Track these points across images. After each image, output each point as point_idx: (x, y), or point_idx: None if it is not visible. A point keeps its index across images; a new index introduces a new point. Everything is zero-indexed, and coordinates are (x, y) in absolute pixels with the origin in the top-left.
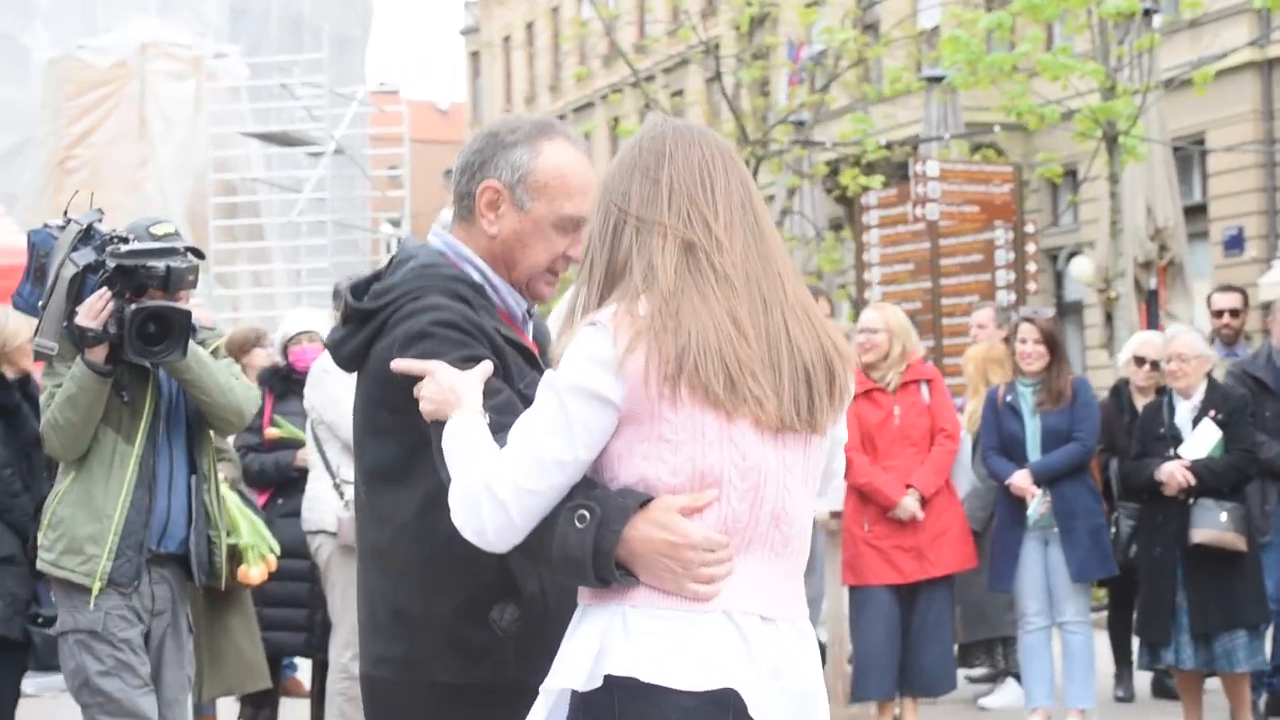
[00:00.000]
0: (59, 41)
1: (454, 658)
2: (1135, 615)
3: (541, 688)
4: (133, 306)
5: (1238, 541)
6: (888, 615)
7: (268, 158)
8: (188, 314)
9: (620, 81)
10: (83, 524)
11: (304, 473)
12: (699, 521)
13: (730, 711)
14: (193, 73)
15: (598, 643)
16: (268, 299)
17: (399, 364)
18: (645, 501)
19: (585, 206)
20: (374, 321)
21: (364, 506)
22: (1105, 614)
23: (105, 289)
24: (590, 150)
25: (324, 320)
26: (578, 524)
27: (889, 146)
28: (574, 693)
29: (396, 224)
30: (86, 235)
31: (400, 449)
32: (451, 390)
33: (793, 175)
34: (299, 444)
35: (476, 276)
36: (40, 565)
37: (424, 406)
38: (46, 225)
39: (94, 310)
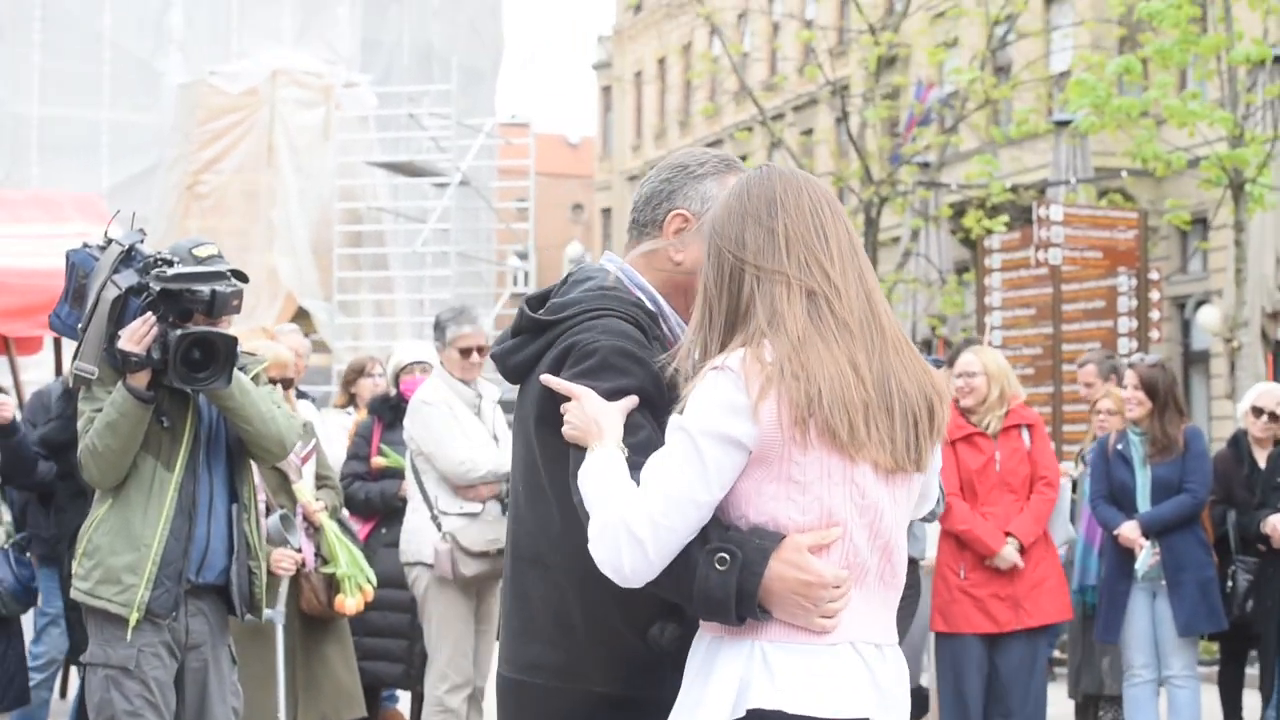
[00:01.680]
0: (192, 67)
1: (614, 669)
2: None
3: None
4: (177, 332)
5: None
6: (980, 664)
7: (394, 187)
8: (233, 340)
9: (749, 119)
10: (120, 552)
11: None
12: (825, 558)
13: None
14: (322, 101)
15: (738, 678)
16: (389, 328)
17: (548, 380)
18: (777, 540)
19: None
20: (548, 334)
21: (522, 512)
22: (1215, 669)
23: (149, 313)
24: None
25: (433, 351)
26: (718, 566)
27: (1014, 190)
28: None
29: (524, 256)
30: (128, 257)
31: (559, 463)
32: (595, 421)
33: (917, 217)
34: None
35: (650, 305)
36: (74, 594)
37: (566, 430)
38: (86, 245)
39: (138, 335)
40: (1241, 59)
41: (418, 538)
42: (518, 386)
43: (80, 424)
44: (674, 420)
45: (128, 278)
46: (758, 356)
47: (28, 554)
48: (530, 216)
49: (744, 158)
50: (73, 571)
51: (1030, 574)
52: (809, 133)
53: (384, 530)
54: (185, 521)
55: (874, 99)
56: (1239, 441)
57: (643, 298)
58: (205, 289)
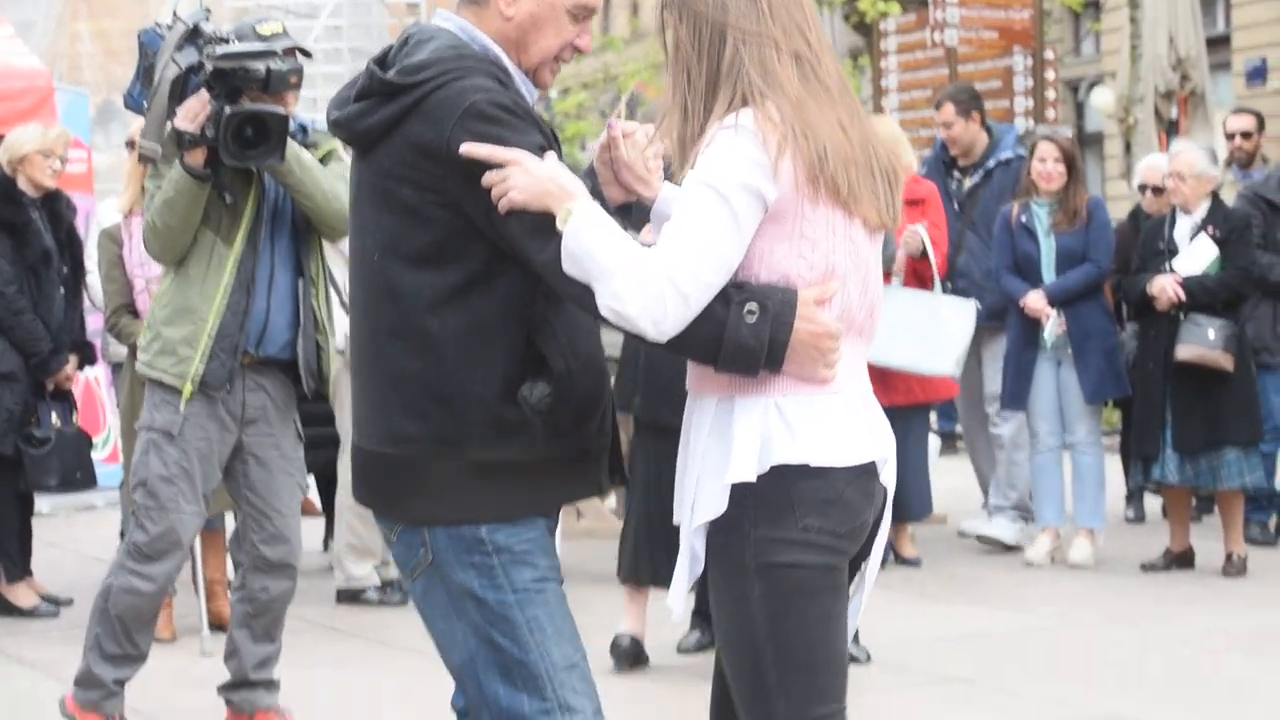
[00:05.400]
0: None
1: (487, 434)
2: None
3: (720, 483)
4: (228, 109)
5: (1223, 360)
6: None
7: None
8: (285, 118)
9: None
10: (177, 326)
11: None
12: (825, 311)
13: (873, 480)
14: None
15: (758, 435)
16: None
17: (474, 149)
18: (795, 294)
19: None
20: (404, 98)
21: (374, 284)
22: (1118, 439)
23: (204, 91)
24: None
25: None
26: (748, 317)
27: None
28: (736, 484)
29: None
30: (193, 35)
31: (431, 229)
32: (552, 181)
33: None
34: None
35: (499, 62)
36: (138, 368)
37: (514, 195)
38: (156, 24)
39: (191, 113)
40: None
41: None
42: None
43: (145, 202)
44: (694, 178)
45: (188, 56)
46: (768, 115)
47: None
48: (421, 11)
49: None
50: (138, 345)
51: None
52: None
53: None
54: (244, 296)
55: None
56: (1137, 216)
57: (489, 55)
58: (259, 66)
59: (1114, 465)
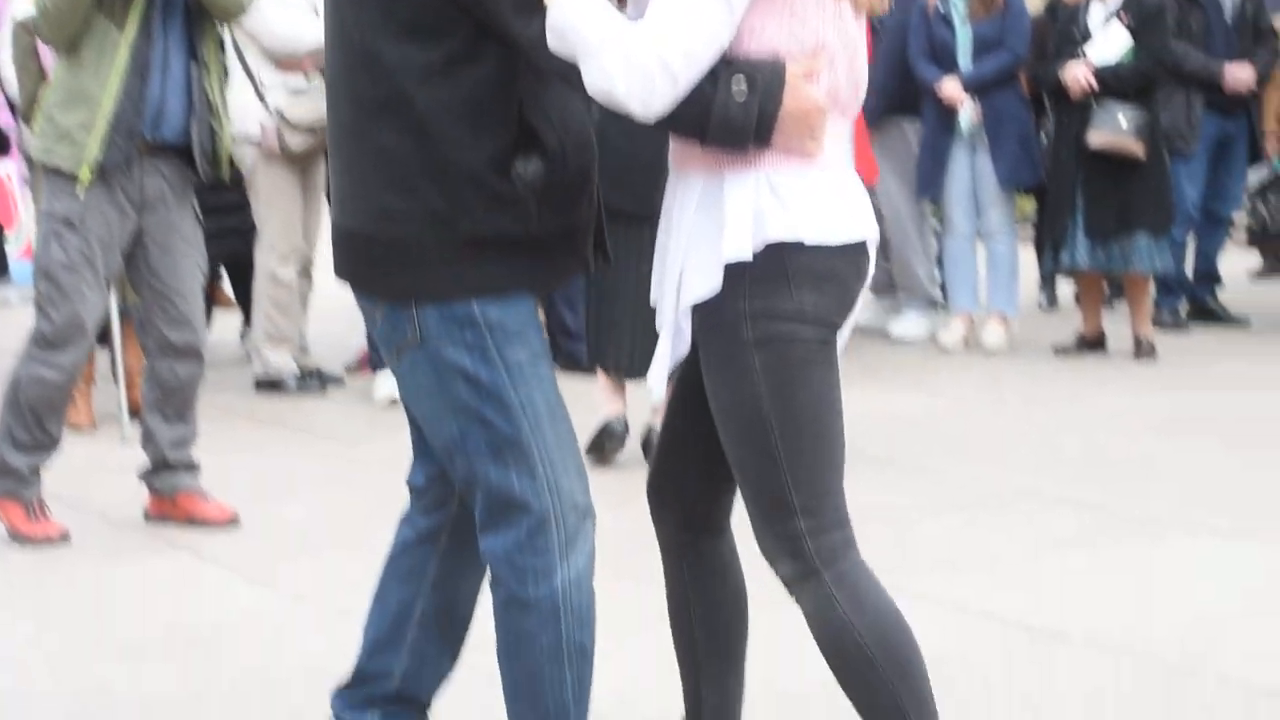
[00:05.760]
0: None
1: (480, 209)
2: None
3: (713, 258)
4: None
5: (1135, 146)
6: None
7: None
8: None
9: None
10: (72, 111)
11: None
12: (814, 87)
13: (864, 257)
14: None
15: (751, 211)
16: None
17: None
18: (784, 67)
19: None
20: None
21: (355, 61)
22: (1033, 229)
23: None
24: None
25: None
26: (736, 95)
27: None
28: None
29: None
30: None
31: (414, 3)
32: None
33: None
34: None
35: None
36: (33, 154)
37: None
38: None
39: None
40: None
41: (242, 114)
42: None
43: None
44: None
45: None
46: None
47: None
48: None
49: None
50: (32, 131)
51: None
52: None
53: None
54: (138, 81)
55: None
56: (1054, 8)
57: None
58: None
59: (1029, 255)
